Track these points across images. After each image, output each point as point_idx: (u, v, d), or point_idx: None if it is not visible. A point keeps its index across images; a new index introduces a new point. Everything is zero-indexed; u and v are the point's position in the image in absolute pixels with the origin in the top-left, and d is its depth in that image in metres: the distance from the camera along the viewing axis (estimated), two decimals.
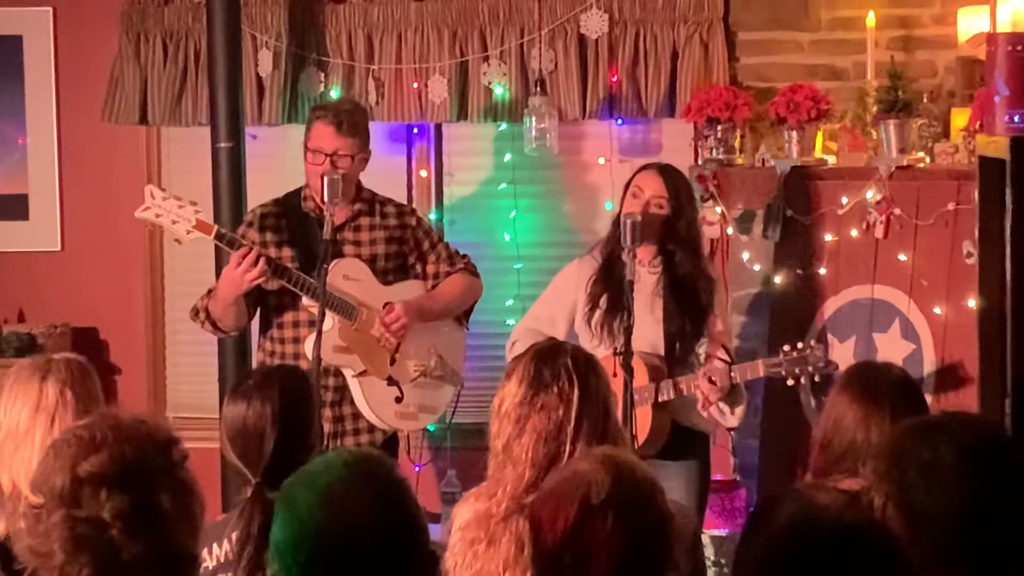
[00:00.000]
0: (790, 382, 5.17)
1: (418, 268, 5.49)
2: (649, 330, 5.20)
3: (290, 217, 5.38)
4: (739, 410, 5.24)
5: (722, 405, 5.16)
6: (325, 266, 5.05)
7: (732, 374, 5.10)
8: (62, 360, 3.85)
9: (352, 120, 5.28)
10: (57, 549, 2.51)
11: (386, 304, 5.34)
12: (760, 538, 2.46)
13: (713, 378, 5.09)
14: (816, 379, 5.21)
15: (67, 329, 6.74)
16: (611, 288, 5.21)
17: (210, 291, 5.36)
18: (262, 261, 5.08)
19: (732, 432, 6.20)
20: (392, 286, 5.40)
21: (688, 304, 5.25)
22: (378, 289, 5.35)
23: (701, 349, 5.26)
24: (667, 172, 5.33)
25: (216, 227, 5.19)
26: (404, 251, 5.47)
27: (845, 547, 2.37)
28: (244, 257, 5.07)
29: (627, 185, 5.36)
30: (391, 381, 5.36)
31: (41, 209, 6.89)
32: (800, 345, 5.14)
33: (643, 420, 5.07)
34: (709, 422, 5.27)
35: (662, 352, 5.24)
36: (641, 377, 5.07)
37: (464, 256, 5.57)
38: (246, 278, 5.09)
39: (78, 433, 2.59)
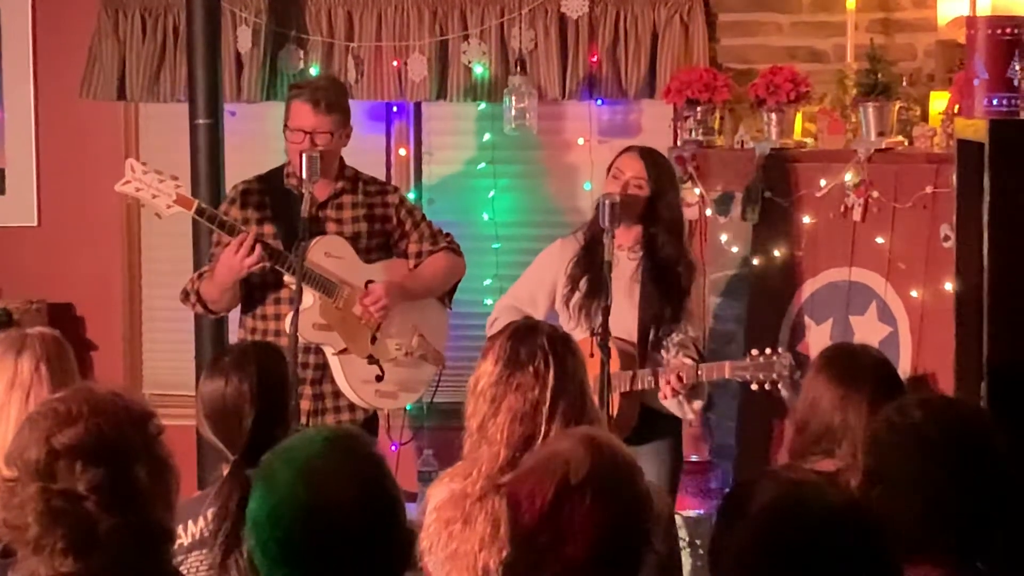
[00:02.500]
0: (754, 387, 5.19)
1: (401, 247, 5.48)
2: (625, 316, 5.20)
3: (272, 194, 5.37)
4: (697, 404, 5.27)
5: (681, 398, 5.18)
6: (303, 243, 5.04)
7: (699, 372, 5.12)
8: (37, 335, 3.84)
9: (329, 97, 5.27)
10: (32, 522, 2.51)
11: (368, 282, 5.33)
12: (740, 520, 2.46)
13: (681, 374, 5.10)
14: (780, 387, 5.24)
15: (43, 305, 6.72)
16: (591, 271, 5.21)
17: (200, 274, 5.35)
18: (259, 247, 5.07)
19: (709, 413, 6.22)
20: (374, 264, 5.39)
21: (667, 289, 5.25)
22: (360, 267, 5.34)
23: (673, 340, 5.26)
24: (648, 154, 5.34)
25: (196, 202, 5.18)
26: (387, 229, 5.46)
27: (830, 527, 2.38)
28: (242, 244, 5.07)
29: (609, 167, 5.37)
30: (372, 360, 5.36)
31: (18, 184, 6.87)
32: (768, 351, 5.15)
33: (610, 406, 5.08)
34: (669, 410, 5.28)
35: (635, 337, 5.25)
36: (613, 363, 5.06)
37: (447, 235, 5.57)
38: (245, 264, 5.09)
39: (54, 406, 2.58)
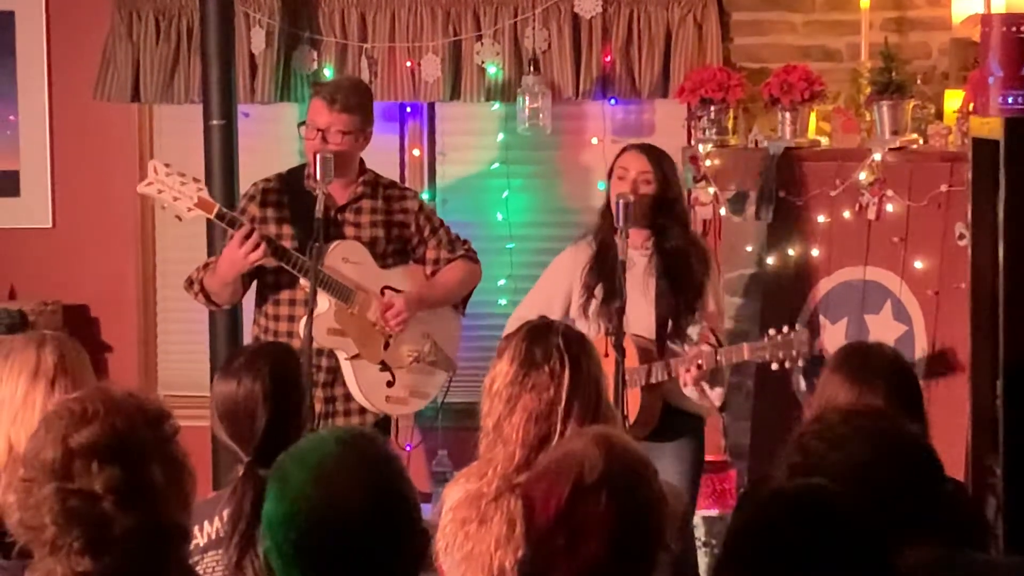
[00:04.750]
0: (774, 366, 5.18)
1: (418, 252, 5.48)
2: (642, 312, 5.20)
3: (292, 193, 5.37)
4: (719, 391, 5.26)
5: (703, 384, 5.17)
6: (317, 244, 5.03)
7: (718, 357, 5.12)
8: (55, 334, 3.87)
9: (348, 98, 5.26)
10: (48, 522, 2.51)
11: (384, 288, 5.33)
12: (742, 515, 2.49)
13: (700, 361, 5.10)
14: (800, 363, 5.23)
15: (58, 307, 6.72)
16: (605, 276, 5.21)
17: (207, 264, 5.35)
18: (263, 242, 5.07)
19: (723, 413, 6.21)
20: (391, 270, 5.38)
21: (681, 280, 5.25)
22: (377, 273, 5.34)
23: (692, 331, 5.26)
24: (648, 149, 5.35)
25: (217, 206, 5.17)
26: (404, 235, 5.45)
27: (828, 524, 2.40)
28: (246, 237, 5.07)
29: (611, 169, 5.37)
30: (384, 366, 5.36)
31: (33, 186, 6.88)
32: (785, 329, 5.15)
33: (632, 402, 5.08)
34: (694, 402, 5.28)
35: (654, 333, 5.25)
36: (631, 359, 5.07)
37: (465, 242, 5.56)
38: (248, 259, 5.08)
39: (70, 406, 2.59)
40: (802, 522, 2.40)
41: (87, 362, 3.88)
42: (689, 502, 5.22)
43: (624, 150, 5.40)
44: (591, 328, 5.20)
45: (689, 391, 5.20)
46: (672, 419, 5.25)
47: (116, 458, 2.53)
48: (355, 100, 5.29)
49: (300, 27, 6.51)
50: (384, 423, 5.48)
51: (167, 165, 5.16)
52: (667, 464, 5.00)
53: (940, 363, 5.73)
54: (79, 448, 2.52)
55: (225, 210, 5.20)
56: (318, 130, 5.23)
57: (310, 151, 5.24)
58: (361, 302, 5.28)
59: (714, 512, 6.04)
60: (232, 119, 6.15)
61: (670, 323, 5.25)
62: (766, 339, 5.15)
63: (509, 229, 6.64)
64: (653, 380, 5.16)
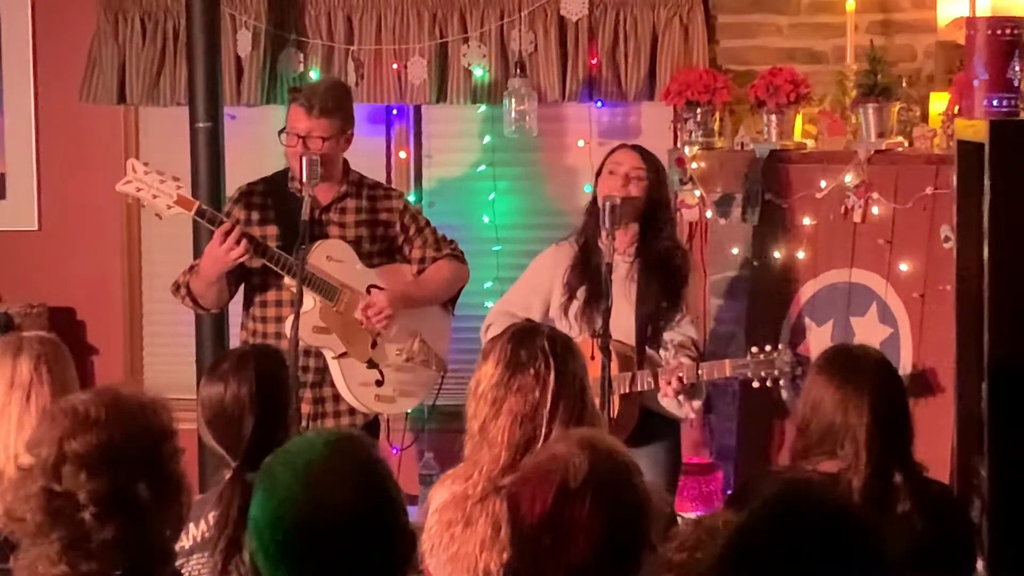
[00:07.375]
0: (756, 384, 5.18)
1: (404, 252, 5.47)
2: (623, 316, 5.19)
3: (276, 196, 5.36)
4: (696, 404, 5.25)
5: (681, 397, 5.17)
6: (303, 247, 5.03)
7: (699, 372, 5.12)
8: (34, 337, 3.85)
9: (324, 102, 5.25)
10: (30, 518, 2.52)
11: (370, 287, 5.32)
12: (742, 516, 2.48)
13: (680, 374, 5.10)
14: (781, 383, 5.23)
15: (44, 309, 6.72)
16: (588, 277, 5.21)
17: (192, 267, 5.35)
18: (244, 239, 5.06)
19: (709, 415, 6.22)
20: (376, 269, 5.38)
21: (664, 282, 5.25)
22: (362, 271, 5.33)
23: (672, 335, 5.24)
24: (641, 149, 5.37)
25: (197, 203, 5.17)
26: (390, 235, 5.45)
27: (825, 527, 2.39)
28: (227, 235, 5.06)
29: (600, 167, 5.37)
30: (371, 364, 5.35)
31: (18, 188, 6.87)
32: (768, 348, 5.15)
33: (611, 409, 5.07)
34: (668, 410, 5.27)
35: (634, 337, 5.24)
36: (612, 366, 5.06)
37: (451, 242, 5.56)
38: (229, 256, 5.07)
39: (76, 405, 2.59)
40: (806, 524, 2.40)
41: (69, 362, 3.88)
42: (672, 501, 5.21)
43: (616, 148, 5.40)
44: (572, 329, 5.20)
45: (667, 402, 5.20)
46: (648, 424, 5.24)
47: (105, 470, 2.53)
48: (333, 104, 5.27)
49: (286, 29, 6.51)
50: (372, 425, 5.48)
51: (145, 164, 5.16)
52: (644, 467, 4.97)
53: (925, 365, 5.74)
54: (72, 454, 2.53)
55: (205, 207, 5.19)
56: (299, 137, 5.23)
57: (293, 157, 5.24)
58: (347, 300, 5.27)
59: (699, 514, 6.04)
60: (218, 121, 6.15)
61: (650, 329, 5.25)
62: (749, 357, 5.16)
63: (495, 231, 6.64)
64: (638, 388, 5.16)
